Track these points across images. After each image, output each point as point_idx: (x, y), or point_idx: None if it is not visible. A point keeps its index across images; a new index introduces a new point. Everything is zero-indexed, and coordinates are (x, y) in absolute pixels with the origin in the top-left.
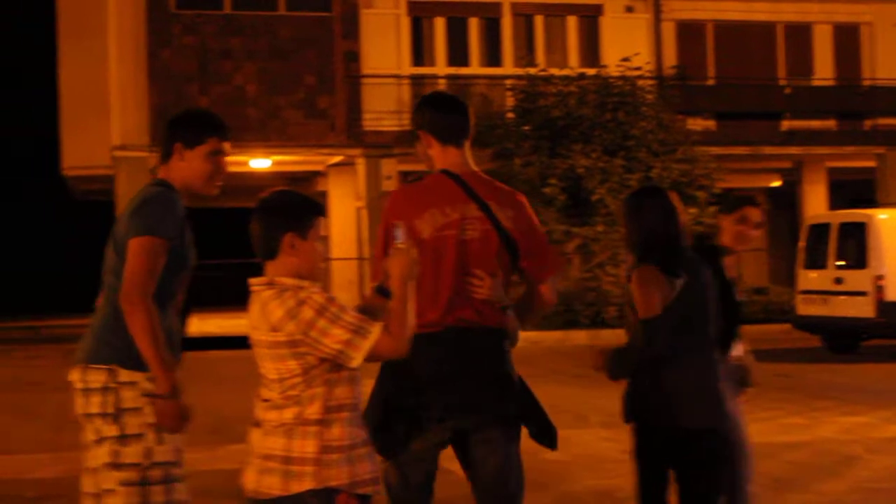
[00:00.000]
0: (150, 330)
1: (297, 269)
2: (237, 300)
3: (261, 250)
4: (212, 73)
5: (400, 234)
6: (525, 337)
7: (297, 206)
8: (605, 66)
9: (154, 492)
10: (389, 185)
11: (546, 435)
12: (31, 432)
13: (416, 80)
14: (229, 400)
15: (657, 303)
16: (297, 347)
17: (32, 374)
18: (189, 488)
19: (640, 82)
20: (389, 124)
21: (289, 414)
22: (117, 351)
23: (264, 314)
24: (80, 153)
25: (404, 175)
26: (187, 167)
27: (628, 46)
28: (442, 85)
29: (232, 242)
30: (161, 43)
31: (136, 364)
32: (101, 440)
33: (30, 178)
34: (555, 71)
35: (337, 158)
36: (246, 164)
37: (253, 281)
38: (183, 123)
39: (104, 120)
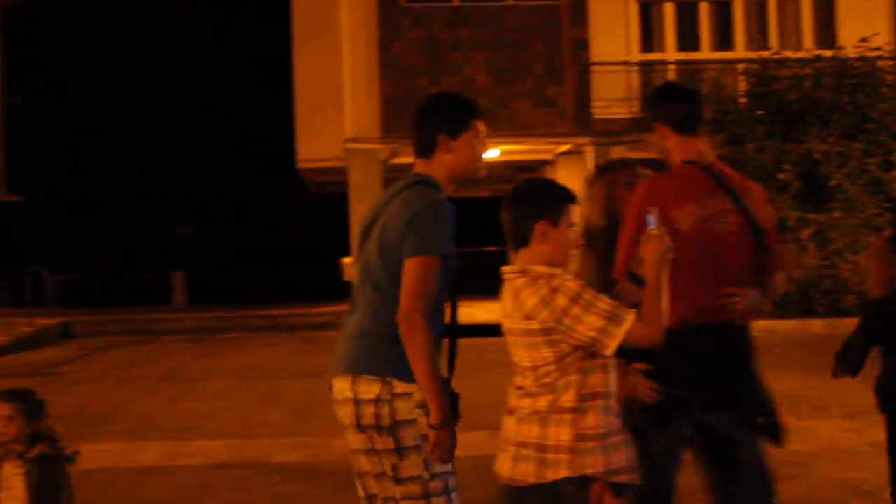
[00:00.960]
0: (428, 355)
1: (549, 257)
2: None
3: (512, 239)
4: (441, 64)
5: (653, 220)
6: (759, 326)
7: (548, 194)
8: (842, 48)
9: (436, 503)
10: None
11: (773, 429)
12: (272, 418)
13: (646, 67)
14: (473, 387)
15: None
16: (551, 335)
17: (270, 361)
18: None
19: (880, 63)
20: (618, 112)
21: (543, 402)
22: (391, 362)
23: (517, 302)
24: (313, 146)
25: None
26: (456, 157)
27: (866, 26)
28: (672, 71)
29: (461, 232)
30: (392, 36)
31: (410, 376)
32: (371, 451)
33: (266, 172)
34: (789, 54)
35: (566, 147)
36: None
37: (505, 269)
38: (442, 113)
39: (337, 113)
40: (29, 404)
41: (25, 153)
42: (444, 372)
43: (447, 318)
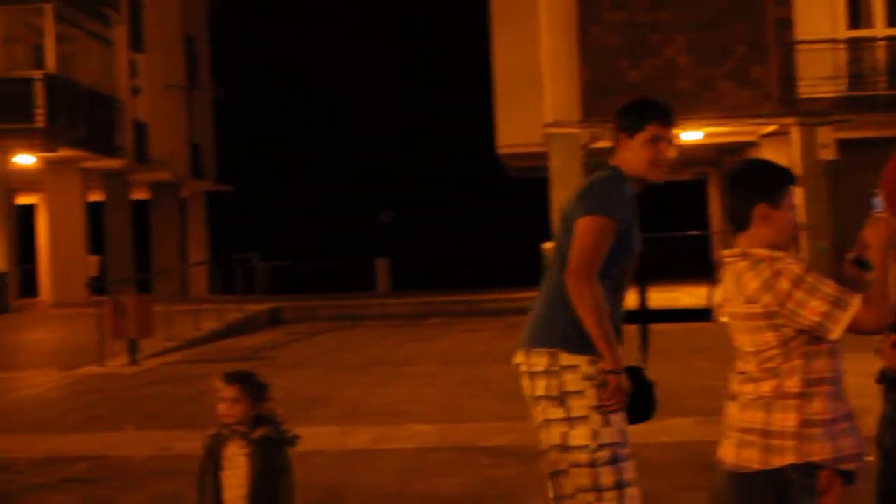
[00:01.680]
0: (595, 306)
1: (770, 240)
2: (667, 274)
3: (733, 222)
4: (641, 47)
5: (879, 203)
6: None
7: (768, 176)
8: None
9: (603, 472)
10: (826, 154)
11: None
12: (479, 402)
13: (853, 44)
14: (677, 373)
15: None
16: (774, 319)
17: (473, 346)
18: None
19: None
20: (826, 91)
21: (766, 387)
22: (559, 335)
23: (739, 286)
24: (513, 131)
25: (842, 143)
26: (631, 156)
27: None
28: (881, 48)
29: (663, 216)
30: (591, 19)
31: (578, 348)
32: (548, 422)
33: (466, 158)
34: None
35: (770, 128)
36: (677, 137)
37: (726, 252)
38: (624, 113)
39: (537, 98)
40: (253, 387)
41: (235, 144)
42: (636, 360)
43: (634, 303)
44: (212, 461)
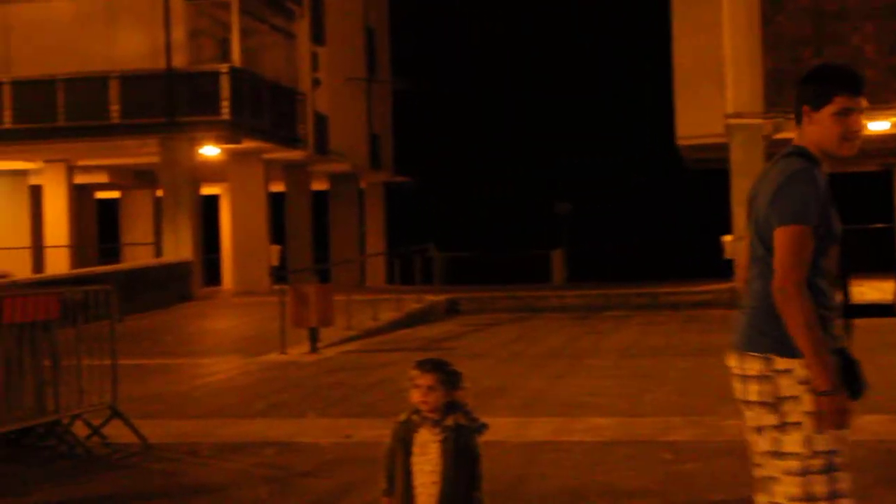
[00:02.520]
0: (805, 324)
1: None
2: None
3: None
4: (827, 35)
5: None
6: None
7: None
8: None
9: (816, 481)
10: None
11: None
12: (659, 396)
13: None
14: (869, 370)
15: None
16: None
17: (652, 339)
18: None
19: None
20: None
21: None
22: (772, 339)
23: None
24: (693, 123)
25: None
26: (816, 130)
27: None
28: None
29: (855, 207)
30: (775, 8)
31: (792, 351)
32: (760, 428)
33: (643, 149)
34: None
35: None
36: (865, 126)
37: None
38: (808, 84)
39: (717, 89)
40: (448, 375)
41: (414, 135)
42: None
43: (840, 297)
44: (401, 447)
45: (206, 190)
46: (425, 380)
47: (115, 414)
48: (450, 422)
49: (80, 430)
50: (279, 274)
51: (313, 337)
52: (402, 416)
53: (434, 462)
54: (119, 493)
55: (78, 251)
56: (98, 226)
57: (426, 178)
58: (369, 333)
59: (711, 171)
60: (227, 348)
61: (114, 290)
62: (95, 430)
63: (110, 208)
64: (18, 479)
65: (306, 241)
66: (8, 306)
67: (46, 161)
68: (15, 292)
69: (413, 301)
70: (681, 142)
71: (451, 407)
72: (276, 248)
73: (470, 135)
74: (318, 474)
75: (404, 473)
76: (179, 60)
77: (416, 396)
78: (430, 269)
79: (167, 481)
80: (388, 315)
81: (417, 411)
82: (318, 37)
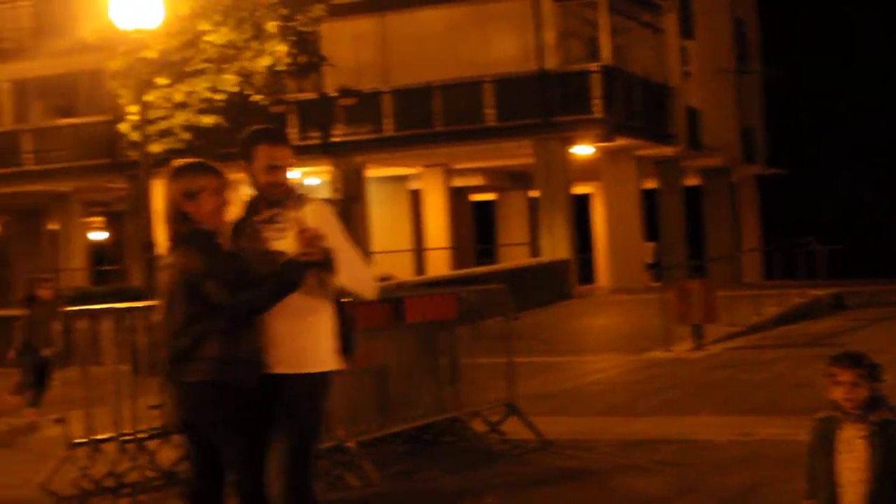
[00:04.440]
0: None
1: None
2: None
3: None
4: None
5: None
6: None
7: None
8: None
9: None
10: None
11: None
12: None
13: None
14: None
15: None
16: None
17: None
18: None
19: None
20: None
21: None
22: None
23: None
24: None
25: None
26: None
27: None
28: None
29: None
30: None
31: None
32: None
33: None
34: None
35: None
36: None
37: None
38: None
39: None
40: (869, 369)
41: (787, 126)
42: None
43: None
44: (824, 445)
45: (577, 189)
46: (847, 376)
47: (512, 410)
48: (876, 417)
49: (478, 426)
50: (654, 271)
51: (697, 333)
52: (822, 414)
53: (860, 460)
54: (518, 482)
55: (456, 253)
56: (475, 227)
57: (801, 170)
58: (753, 329)
59: None
60: (609, 345)
61: (508, 290)
62: (493, 427)
63: (486, 210)
64: (423, 471)
65: (679, 237)
66: (410, 307)
67: (425, 166)
68: (415, 293)
69: (796, 296)
70: None
71: (875, 401)
72: (650, 245)
73: (848, 124)
74: (719, 472)
75: (827, 473)
76: (551, 61)
77: (838, 393)
78: (812, 263)
79: (564, 475)
80: (770, 310)
81: (838, 407)
82: (686, 30)
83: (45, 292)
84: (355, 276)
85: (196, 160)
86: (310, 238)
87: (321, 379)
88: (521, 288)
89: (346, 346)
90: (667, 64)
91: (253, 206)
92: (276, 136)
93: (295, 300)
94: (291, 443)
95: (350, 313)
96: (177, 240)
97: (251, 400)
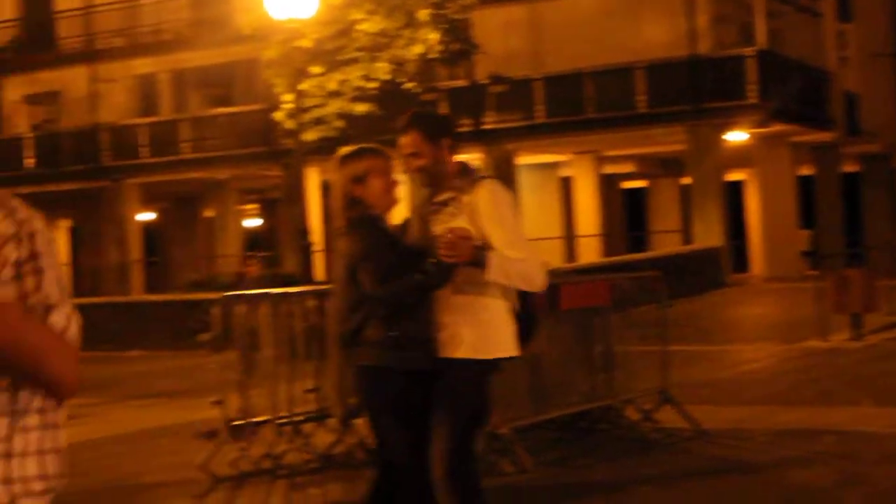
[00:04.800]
0: None
1: None
2: None
3: None
4: None
5: None
6: None
7: None
8: None
9: None
10: None
11: None
12: None
13: None
14: None
15: None
16: None
17: None
18: None
19: None
20: None
21: None
22: None
23: None
24: None
25: None
26: None
27: None
28: None
29: None
30: None
31: None
32: None
33: None
34: None
35: None
36: None
37: None
38: None
39: None
40: None
41: None
42: None
43: None
44: None
45: (731, 176)
46: None
47: (666, 399)
48: None
49: (631, 414)
50: (810, 259)
51: (856, 323)
52: None
53: None
54: (672, 473)
55: (607, 240)
56: (625, 215)
57: None
58: None
59: None
60: (763, 334)
61: (662, 277)
62: (647, 415)
63: (636, 197)
64: (577, 458)
65: (837, 224)
66: (565, 293)
67: (575, 153)
68: (570, 280)
69: None
70: None
71: None
72: (805, 233)
73: None
74: (883, 464)
75: None
76: (703, 46)
77: None
78: None
79: (721, 465)
80: None
81: None
82: (843, 14)
83: (251, 269)
84: (519, 269)
85: (361, 145)
86: (453, 241)
87: (486, 365)
88: (673, 276)
89: (525, 332)
90: (824, 48)
91: (434, 189)
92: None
93: (461, 284)
94: (454, 428)
95: (533, 300)
96: (347, 226)
97: (417, 384)
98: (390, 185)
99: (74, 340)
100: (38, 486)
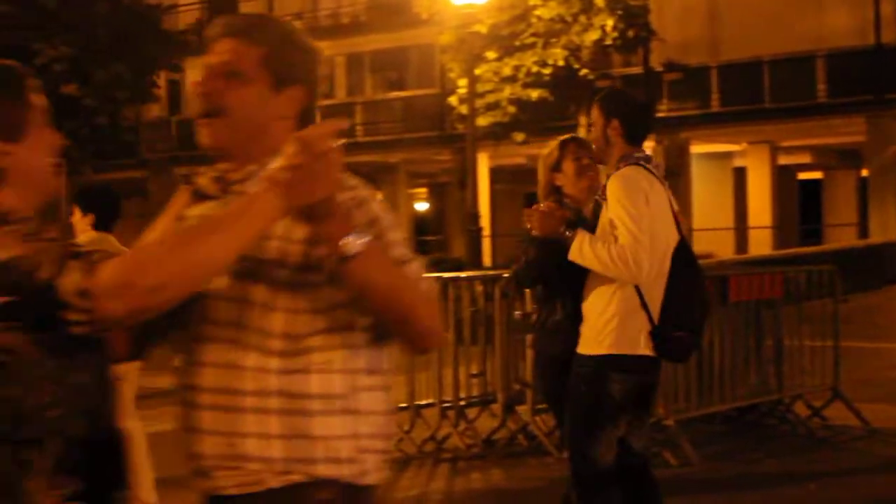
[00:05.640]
0: None
1: None
2: None
3: None
4: None
5: None
6: None
7: None
8: None
9: None
10: None
11: None
12: None
13: None
14: None
15: None
16: None
17: None
18: None
19: None
20: None
21: None
22: None
23: None
24: None
25: None
26: None
27: None
28: None
29: None
30: None
31: None
32: None
33: None
34: None
35: None
36: None
37: None
38: None
39: None
40: None
41: None
42: None
43: None
44: None
45: None
46: None
47: (837, 395)
48: None
49: (800, 410)
50: None
51: None
52: None
53: None
54: (840, 471)
55: (779, 232)
56: (799, 207)
57: None
58: None
59: None
60: None
61: (837, 271)
62: (816, 412)
63: (811, 189)
64: (743, 452)
65: None
66: (734, 285)
67: (750, 143)
68: (740, 271)
69: None
70: None
71: None
72: None
73: None
74: None
75: None
76: (888, 35)
77: None
78: None
79: (892, 464)
80: None
81: None
82: None
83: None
84: (600, 255)
85: (561, 137)
86: (538, 215)
87: (600, 362)
88: (847, 270)
89: (695, 321)
90: None
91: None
92: None
93: (593, 277)
94: (573, 423)
95: (701, 292)
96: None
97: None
98: (583, 171)
99: (433, 292)
100: (379, 444)
